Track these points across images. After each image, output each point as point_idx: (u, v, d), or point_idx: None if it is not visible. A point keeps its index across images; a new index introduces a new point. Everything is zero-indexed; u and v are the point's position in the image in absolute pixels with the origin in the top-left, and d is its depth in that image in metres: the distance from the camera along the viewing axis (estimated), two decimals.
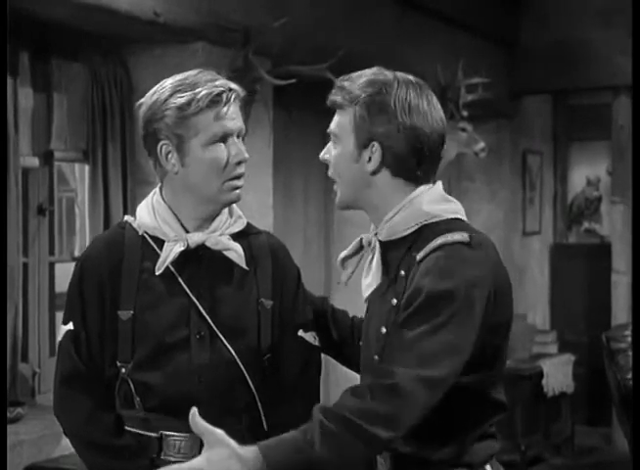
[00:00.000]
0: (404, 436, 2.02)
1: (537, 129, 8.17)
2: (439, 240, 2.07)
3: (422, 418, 2.00)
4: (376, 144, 2.14)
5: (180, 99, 2.28)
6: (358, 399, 1.96)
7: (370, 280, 2.20)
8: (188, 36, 4.40)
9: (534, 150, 8.08)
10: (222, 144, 2.29)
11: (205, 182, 2.30)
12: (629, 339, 3.46)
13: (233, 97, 2.29)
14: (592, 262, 8.10)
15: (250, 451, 1.93)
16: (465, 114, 6.02)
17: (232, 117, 2.30)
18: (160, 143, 2.31)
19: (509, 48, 7.33)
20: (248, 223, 2.44)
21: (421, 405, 1.99)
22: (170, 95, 2.30)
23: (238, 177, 2.32)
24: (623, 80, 6.76)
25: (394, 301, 2.12)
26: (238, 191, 2.32)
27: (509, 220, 7.69)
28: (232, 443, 1.94)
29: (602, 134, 7.87)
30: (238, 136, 2.32)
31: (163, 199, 2.36)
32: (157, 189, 2.40)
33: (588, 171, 8.52)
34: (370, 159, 2.16)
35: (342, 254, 2.30)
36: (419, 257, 2.09)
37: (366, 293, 2.22)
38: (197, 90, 2.28)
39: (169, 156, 2.31)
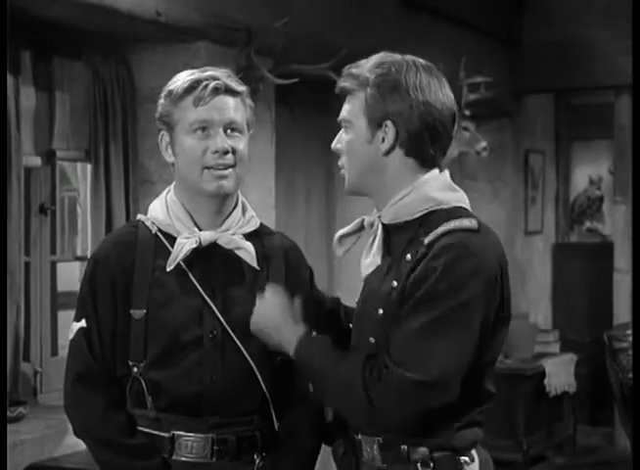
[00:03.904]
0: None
1: (540, 128, 8.16)
2: (449, 225, 2.09)
3: (424, 414, 2.05)
4: (389, 123, 2.14)
5: (169, 87, 2.33)
6: (374, 377, 2.05)
7: (370, 261, 2.20)
8: (190, 36, 4.39)
9: (537, 149, 8.08)
10: (201, 133, 2.29)
11: (189, 171, 2.31)
12: (631, 338, 3.45)
13: (213, 85, 2.28)
14: (594, 262, 8.09)
15: (301, 327, 2.20)
16: (467, 113, 6.02)
17: (216, 106, 2.29)
18: (160, 133, 2.36)
19: (511, 47, 7.33)
20: (261, 224, 2.44)
21: (418, 405, 2.04)
22: (167, 86, 2.35)
23: (218, 167, 2.29)
24: (626, 80, 6.74)
25: (395, 283, 2.12)
26: (222, 182, 2.30)
27: (511, 220, 7.68)
28: (298, 312, 2.23)
29: (604, 134, 7.86)
30: (230, 129, 2.31)
31: (177, 196, 2.37)
32: (171, 186, 2.41)
33: (590, 171, 8.51)
34: (384, 139, 2.16)
35: (341, 231, 2.30)
36: (427, 240, 2.09)
37: (365, 273, 2.22)
38: (183, 78, 2.32)
39: (168, 147, 2.35)
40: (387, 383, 2.03)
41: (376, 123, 2.16)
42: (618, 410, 3.48)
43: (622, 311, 7.16)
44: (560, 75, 7.25)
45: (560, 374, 7.08)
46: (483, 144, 6.11)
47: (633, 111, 5.21)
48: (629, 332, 3.46)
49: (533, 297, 7.95)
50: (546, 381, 6.89)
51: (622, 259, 7.29)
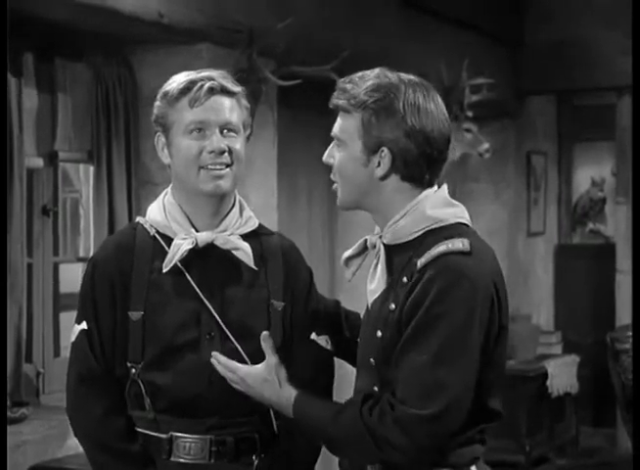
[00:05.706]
0: None
1: (542, 130, 8.16)
2: (439, 248, 2.07)
3: (437, 443, 2.06)
4: (385, 149, 2.13)
5: (164, 89, 2.34)
6: (375, 418, 2.06)
7: (375, 286, 2.19)
8: (192, 37, 4.40)
9: (539, 150, 8.08)
10: (197, 133, 2.29)
11: (185, 172, 2.31)
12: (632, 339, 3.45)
13: (208, 85, 2.28)
14: (597, 263, 8.09)
15: (287, 390, 2.19)
16: (469, 114, 6.02)
17: (212, 106, 2.29)
18: (156, 135, 2.36)
19: (513, 48, 7.33)
20: (259, 224, 2.44)
21: (426, 439, 2.04)
22: (162, 88, 2.35)
23: (214, 167, 2.29)
24: (628, 81, 6.74)
25: (393, 305, 2.11)
26: (219, 182, 2.30)
27: (513, 221, 7.68)
28: (281, 374, 2.21)
29: (606, 135, 7.86)
30: (227, 129, 2.31)
31: (174, 197, 2.37)
32: (168, 188, 2.41)
33: (593, 172, 8.51)
34: (379, 164, 2.14)
35: (346, 253, 2.29)
36: (419, 264, 2.08)
37: (370, 298, 2.21)
38: (179, 79, 2.32)
39: (164, 148, 2.35)
40: (392, 422, 2.04)
41: (371, 149, 2.14)
42: (620, 412, 3.48)
43: (625, 313, 7.16)
44: (562, 76, 7.25)
45: (562, 375, 7.08)
46: (486, 145, 6.11)
47: (633, 112, 5.21)
48: (632, 333, 3.46)
49: (536, 298, 7.94)
50: (548, 382, 6.89)
51: (625, 261, 7.28)
